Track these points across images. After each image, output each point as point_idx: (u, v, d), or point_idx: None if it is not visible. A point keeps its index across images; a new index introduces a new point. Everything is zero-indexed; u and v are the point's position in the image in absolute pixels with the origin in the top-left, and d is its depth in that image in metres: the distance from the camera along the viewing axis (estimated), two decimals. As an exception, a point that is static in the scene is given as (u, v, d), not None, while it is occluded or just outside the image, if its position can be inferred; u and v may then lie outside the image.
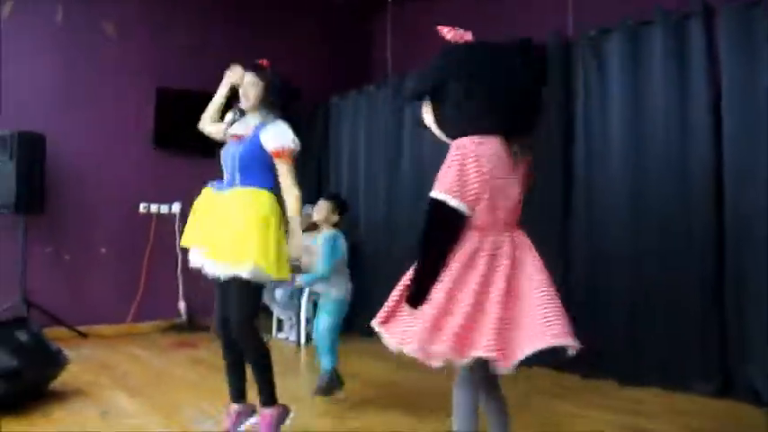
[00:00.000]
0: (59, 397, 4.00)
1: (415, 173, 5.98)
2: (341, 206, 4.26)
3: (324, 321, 4.09)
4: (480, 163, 2.37)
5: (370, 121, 6.57)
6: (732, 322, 3.97)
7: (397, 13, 7.07)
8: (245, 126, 3.19)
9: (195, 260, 3.15)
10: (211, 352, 5.51)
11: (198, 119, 3.41)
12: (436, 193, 2.40)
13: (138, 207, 6.48)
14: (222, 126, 3.28)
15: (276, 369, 3.20)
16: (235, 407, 3.25)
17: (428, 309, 2.35)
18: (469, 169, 2.37)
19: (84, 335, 5.93)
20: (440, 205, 2.39)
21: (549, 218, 4.81)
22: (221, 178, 3.22)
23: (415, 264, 2.44)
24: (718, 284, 4.04)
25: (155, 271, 6.50)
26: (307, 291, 5.93)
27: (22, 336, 3.98)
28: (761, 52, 3.90)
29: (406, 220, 6.02)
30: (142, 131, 6.45)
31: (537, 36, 4.90)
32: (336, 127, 7.06)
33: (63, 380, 4.20)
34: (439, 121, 2.56)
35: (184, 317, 6.59)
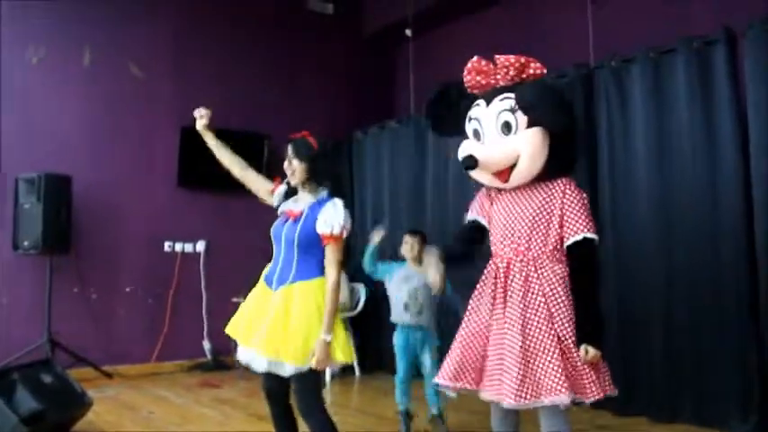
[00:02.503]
0: (83, 439, 3.99)
1: (439, 208, 5.92)
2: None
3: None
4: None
5: (394, 157, 6.56)
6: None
7: (418, 48, 7.10)
8: (298, 203, 3.01)
9: (242, 356, 2.92)
10: (236, 391, 5.47)
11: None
12: (592, 235, 2.37)
13: (162, 246, 6.51)
14: (265, 184, 3.17)
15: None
16: None
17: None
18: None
19: (109, 375, 5.92)
20: (595, 246, 2.39)
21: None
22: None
23: (584, 306, 2.35)
24: (754, 318, 3.91)
25: (179, 310, 6.50)
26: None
27: (46, 377, 3.98)
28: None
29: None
30: (166, 170, 6.51)
31: (558, 67, 4.86)
32: (360, 163, 7.06)
33: (87, 421, 4.19)
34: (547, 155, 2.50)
35: (209, 356, 6.56)
